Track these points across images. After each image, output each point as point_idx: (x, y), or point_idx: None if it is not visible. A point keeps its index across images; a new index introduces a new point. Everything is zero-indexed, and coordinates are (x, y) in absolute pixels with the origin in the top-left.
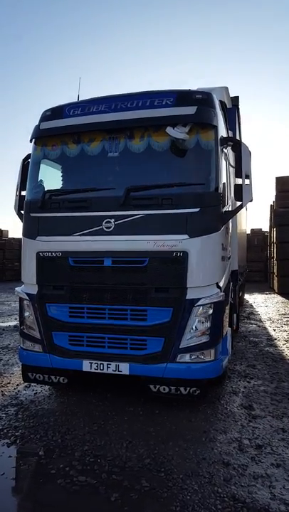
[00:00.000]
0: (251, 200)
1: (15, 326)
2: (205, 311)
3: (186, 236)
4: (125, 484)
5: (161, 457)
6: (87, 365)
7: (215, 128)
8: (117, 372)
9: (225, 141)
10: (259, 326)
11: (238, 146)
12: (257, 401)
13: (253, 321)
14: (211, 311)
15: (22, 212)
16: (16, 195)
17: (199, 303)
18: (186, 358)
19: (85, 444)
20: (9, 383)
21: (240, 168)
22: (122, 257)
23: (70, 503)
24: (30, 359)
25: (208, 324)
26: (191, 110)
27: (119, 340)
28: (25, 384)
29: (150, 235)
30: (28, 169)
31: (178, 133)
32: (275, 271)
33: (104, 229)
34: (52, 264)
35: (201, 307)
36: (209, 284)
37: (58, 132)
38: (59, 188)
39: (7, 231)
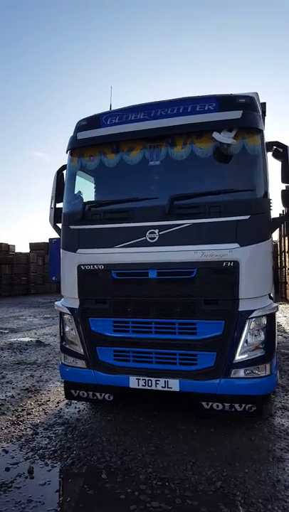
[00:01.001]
0: None
1: (37, 341)
2: (259, 324)
3: (236, 245)
4: (203, 510)
5: (232, 480)
6: (134, 382)
7: (261, 132)
8: (166, 389)
9: (270, 146)
10: (286, 338)
11: (284, 151)
12: None
13: (278, 332)
14: (264, 324)
15: (58, 225)
16: (51, 208)
17: (253, 315)
18: (241, 373)
19: (147, 466)
20: (49, 401)
21: (288, 173)
22: (168, 269)
23: None
24: (73, 375)
25: (262, 337)
26: (236, 115)
27: (167, 355)
28: (66, 401)
29: (197, 244)
30: (62, 180)
31: (225, 138)
32: (287, 280)
33: (148, 240)
34: (94, 278)
35: (255, 319)
36: (261, 295)
37: (96, 142)
38: (98, 199)
39: (14, 246)
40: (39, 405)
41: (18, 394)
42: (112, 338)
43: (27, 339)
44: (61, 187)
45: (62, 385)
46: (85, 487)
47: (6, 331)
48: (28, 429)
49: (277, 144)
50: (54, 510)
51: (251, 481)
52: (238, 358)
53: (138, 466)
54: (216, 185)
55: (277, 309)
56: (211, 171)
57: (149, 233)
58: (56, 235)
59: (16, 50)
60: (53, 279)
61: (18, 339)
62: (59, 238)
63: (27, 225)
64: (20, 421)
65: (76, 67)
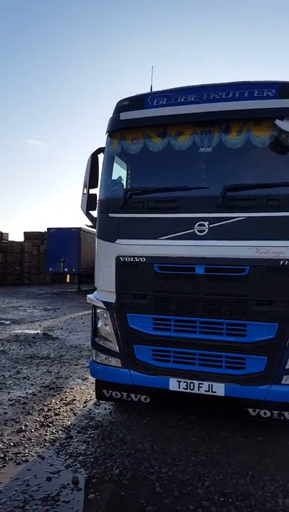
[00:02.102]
0: None
1: (44, 334)
2: None
3: None
4: None
5: None
6: (174, 384)
7: None
8: (210, 393)
9: None
10: None
11: None
12: None
13: None
14: None
15: (90, 212)
16: (84, 194)
17: None
18: None
19: (203, 479)
20: (75, 400)
21: None
22: (218, 265)
23: None
24: (105, 374)
25: None
26: None
27: (212, 357)
28: (94, 401)
29: (252, 240)
30: (97, 165)
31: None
32: None
33: (197, 233)
34: (134, 270)
35: None
36: None
37: (143, 124)
38: (141, 186)
39: (7, 234)
40: (65, 405)
41: (40, 391)
42: (152, 336)
43: (32, 331)
44: (96, 172)
45: (84, 383)
46: (141, 502)
47: (7, 322)
48: (60, 432)
49: None
50: None
51: None
52: None
53: (193, 478)
54: (273, 177)
55: None
56: (268, 161)
57: (198, 225)
58: (52, 226)
59: (16, 38)
60: (50, 269)
61: (23, 331)
62: (58, 228)
63: (25, 215)
64: (50, 422)
65: (76, 53)
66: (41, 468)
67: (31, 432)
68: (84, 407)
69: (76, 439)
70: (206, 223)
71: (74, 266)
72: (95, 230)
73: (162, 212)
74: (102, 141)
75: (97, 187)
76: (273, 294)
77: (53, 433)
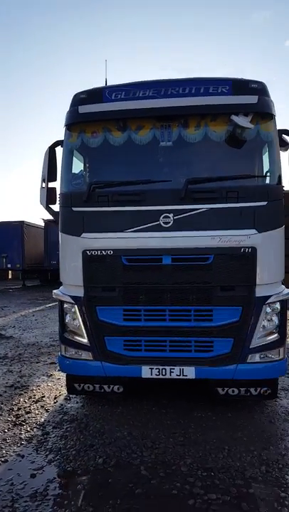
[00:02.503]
0: None
1: None
2: (274, 309)
3: (254, 231)
4: (263, 497)
5: (274, 463)
6: (147, 372)
7: (274, 118)
8: (181, 377)
9: (280, 133)
10: None
11: None
12: None
13: None
14: (279, 309)
15: (50, 206)
16: (43, 188)
17: (270, 300)
18: (256, 358)
19: (184, 458)
20: (44, 397)
21: None
22: (184, 255)
23: None
24: (76, 368)
25: (276, 322)
26: (253, 99)
27: (182, 342)
28: (64, 396)
29: (214, 230)
30: (55, 158)
31: (244, 122)
32: None
33: (162, 224)
34: (101, 264)
35: (271, 305)
36: (276, 281)
37: (102, 117)
38: (102, 179)
39: None
40: (35, 402)
41: (5, 392)
42: (123, 327)
43: None
44: (54, 165)
45: (50, 380)
46: (130, 486)
47: None
48: (35, 430)
49: (286, 131)
50: None
51: None
52: (255, 343)
53: (174, 458)
54: (230, 170)
55: None
56: (225, 155)
57: (163, 217)
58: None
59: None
60: (52, 262)
61: None
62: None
63: None
64: (22, 421)
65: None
66: (23, 466)
67: (5, 432)
68: (55, 403)
69: (53, 435)
70: (171, 215)
71: (18, 261)
72: (39, 224)
73: (128, 205)
74: None
75: (56, 180)
76: (236, 279)
77: (27, 431)
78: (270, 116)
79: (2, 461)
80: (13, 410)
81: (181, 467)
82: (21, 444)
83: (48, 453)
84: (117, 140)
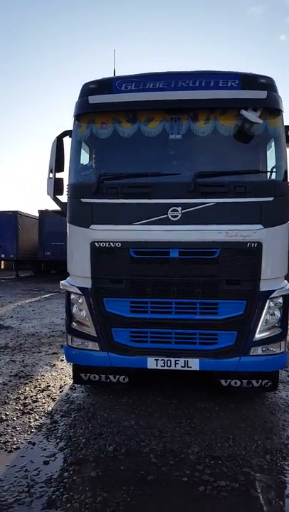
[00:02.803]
0: None
1: None
2: (276, 304)
3: (260, 226)
4: (270, 484)
5: (277, 453)
6: (152, 363)
7: (282, 114)
8: (186, 369)
9: (287, 129)
10: None
11: None
12: None
13: None
14: (281, 303)
15: (57, 197)
16: (50, 178)
17: (274, 295)
18: (259, 350)
19: (191, 447)
20: (49, 386)
21: None
22: (191, 248)
23: None
24: (83, 358)
25: (279, 316)
26: (262, 94)
27: (187, 335)
28: (70, 385)
29: (222, 224)
30: (63, 148)
31: (253, 117)
32: None
33: (171, 218)
34: (110, 256)
35: (275, 299)
36: (279, 276)
37: (113, 108)
38: (111, 171)
39: None
40: (41, 391)
41: (10, 381)
42: (129, 318)
43: None
44: (62, 155)
45: (54, 369)
46: (141, 473)
47: None
48: (43, 418)
49: None
50: (125, 502)
51: None
52: (258, 336)
53: (182, 447)
54: (239, 164)
55: None
56: (233, 149)
57: (172, 211)
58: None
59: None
60: (46, 253)
61: None
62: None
63: None
64: (30, 409)
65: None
66: (35, 453)
67: (13, 420)
68: (60, 392)
69: (62, 423)
70: (179, 208)
71: (11, 251)
72: (33, 214)
73: (137, 198)
74: None
75: (63, 171)
76: (241, 273)
77: (36, 419)
78: (279, 112)
79: (14, 449)
80: (20, 399)
81: (190, 455)
82: (31, 432)
83: (58, 441)
84: (127, 131)
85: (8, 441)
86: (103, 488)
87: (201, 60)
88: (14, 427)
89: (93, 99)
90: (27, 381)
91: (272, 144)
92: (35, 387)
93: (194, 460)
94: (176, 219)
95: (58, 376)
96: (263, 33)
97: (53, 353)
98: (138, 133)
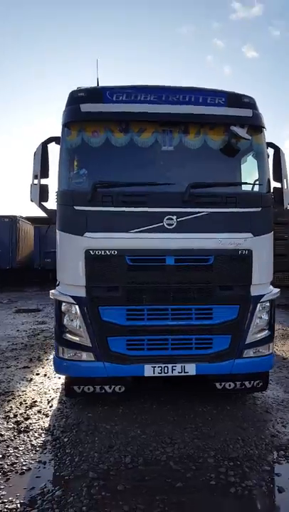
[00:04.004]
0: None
1: None
2: (265, 308)
3: (250, 234)
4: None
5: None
6: (149, 370)
7: (264, 131)
8: (182, 374)
9: (267, 146)
10: None
11: (278, 151)
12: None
13: None
14: (269, 307)
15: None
16: (35, 184)
17: (263, 299)
18: (251, 353)
19: (206, 451)
20: (36, 401)
21: (280, 172)
22: (186, 256)
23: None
24: (76, 370)
25: (267, 319)
26: (248, 113)
27: (183, 340)
28: (58, 399)
29: (215, 232)
30: (47, 155)
31: (243, 133)
32: None
33: (166, 226)
34: (105, 264)
35: (264, 303)
36: (267, 282)
37: (108, 117)
38: (104, 179)
39: None
40: (29, 408)
41: None
42: (126, 327)
43: None
44: (46, 161)
45: (33, 384)
46: (168, 481)
47: None
48: (43, 435)
49: (272, 144)
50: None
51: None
52: (250, 339)
53: (198, 451)
54: (228, 177)
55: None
56: (222, 162)
57: (167, 219)
58: None
59: None
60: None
61: None
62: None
63: None
64: (25, 427)
65: None
66: (49, 472)
67: (12, 440)
68: (51, 407)
69: (66, 439)
70: (174, 217)
71: None
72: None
73: (132, 206)
74: None
75: (48, 177)
76: (234, 279)
77: (36, 437)
78: (262, 130)
79: (26, 470)
80: (9, 417)
81: (208, 459)
82: (36, 450)
83: (70, 457)
84: (119, 141)
85: (16, 463)
86: (136, 500)
87: (132, 74)
88: (16, 448)
89: (85, 108)
90: (9, 398)
91: (256, 158)
92: (21, 403)
93: (214, 463)
94: (171, 227)
95: (41, 390)
96: (192, 52)
97: (25, 367)
98: (130, 143)
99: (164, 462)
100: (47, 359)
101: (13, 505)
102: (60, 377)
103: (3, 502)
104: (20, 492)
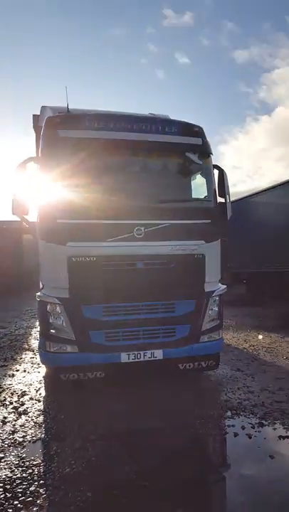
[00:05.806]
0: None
1: None
2: (215, 301)
3: (203, 242)
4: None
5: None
6: (125, 357)
7: (211, 156)
8: (152, 359)
9: (213, 168)
10: None
11: (221, 172)
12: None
13: None
14: (218, 301)
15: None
16: (16, 199)
17: (214, 294)
18: (205, 338)
19: (183, 412)
20: (25, 391)
21: (224, 189)
22: (153, 260)
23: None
24: (63, 360)
25: (217, 311)
26: (199, 141)
27: (152, 331)
28: (43, 388)
29: (175, 240)
30: (26, 172)
31: (196, 158)
32: None
33: (136, 235)
34: (85, 268)
35: (214, 297)
36: (216, 280)
37: (84, 143)
38: (80, 195)
39: None
40: (21, 396)
41: None
42: (105, 321)
43: None
44: (25, 179)
45: (17, 379)
46: (153, 434)
47: None
48: (42, 415)
49: (217, 166)
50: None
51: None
52: (204, 326)
53: (172, 414)
54: (183, 193)
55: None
56: (179, 182)
57: (136, 230)
58: None
59: None
60: None
61: None
62: None
63: None
64: (24, 411)
65: None
66: (57, 438)
67: (15, 420)
68: (40, 394)
69: (62, 416)
70: (143, 228)
71: None
72: None
73: (108, 219)
74: None
75: (27, 193)
76: (192, 279)
77: (36, 417)
78: (209, 155)
79: (36, 439)
80: (6, 405)
81: (180, 418)
82: (40, 426)
83: (70, 428)
84: (93, 163)
85: (26, 435)
86: (129, 446)
87: (64, 77)
88: (22, 425)
89: (63, 133)
90: None
91: (205, 178)
92: (12, 393)
93: (185, 420)
94: (140, 236)
95: (27, 382)
96: (125, 54)
97: (2, 366)
98: (103, 164)
99: (147, 422)
100: (21, 358)
101: (36, 462)
102: (39, 372)
103: (27, 461)
104: (38, 453)
